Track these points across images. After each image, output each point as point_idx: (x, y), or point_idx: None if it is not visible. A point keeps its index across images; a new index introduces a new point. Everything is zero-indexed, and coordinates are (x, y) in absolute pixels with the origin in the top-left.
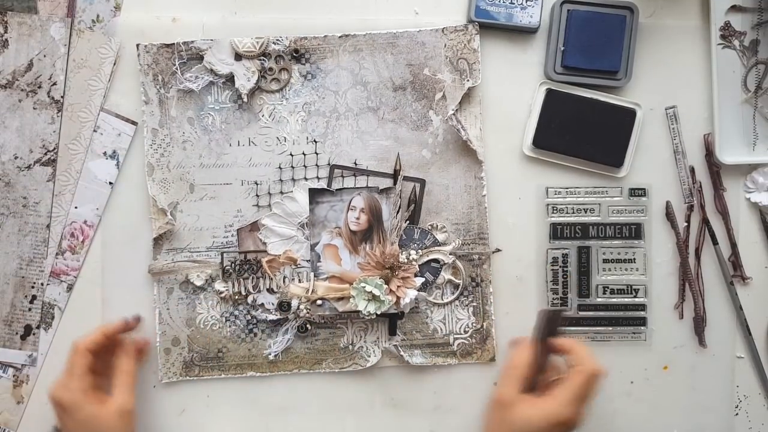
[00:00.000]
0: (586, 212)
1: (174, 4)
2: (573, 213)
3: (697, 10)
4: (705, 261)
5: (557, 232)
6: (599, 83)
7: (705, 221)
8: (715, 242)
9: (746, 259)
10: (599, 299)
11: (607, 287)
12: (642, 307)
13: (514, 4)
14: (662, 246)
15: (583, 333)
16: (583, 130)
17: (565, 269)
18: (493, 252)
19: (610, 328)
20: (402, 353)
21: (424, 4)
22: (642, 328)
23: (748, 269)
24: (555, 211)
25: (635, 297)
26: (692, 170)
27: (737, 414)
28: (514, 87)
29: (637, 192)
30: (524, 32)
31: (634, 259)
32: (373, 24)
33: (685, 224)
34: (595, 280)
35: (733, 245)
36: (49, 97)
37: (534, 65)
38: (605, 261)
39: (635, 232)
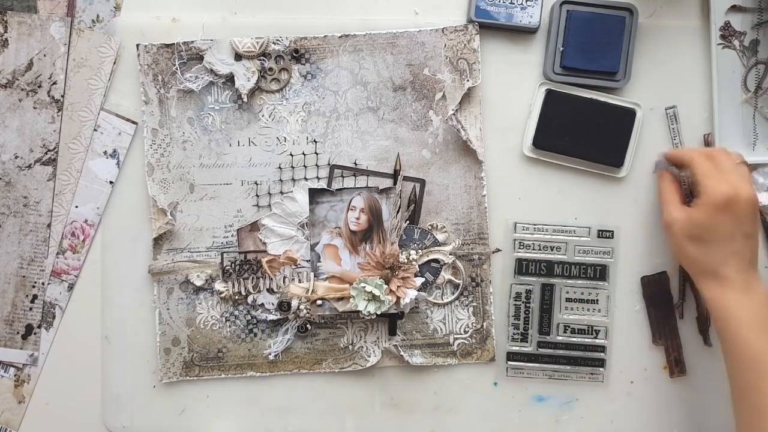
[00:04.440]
0: (552, 250)
1: (174, 4)
2: (539, 250)
3: (697, 10)
4: None
5: (522, 267)
6: (598, 84)
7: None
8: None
9: None
10: (559, 337)
11: (568, 326)
12: (602, 348)
13: (513, 4)
14: (662, 246)
15: (540, 370)
16: (583, 130)
17: (528, 305)
18: (493, 252)
19: (569, 367)
20: (402, 353)
21: (424, 5)
22: (600, 369)
23: None
24: (522, 247)
25: (596, 338)
26: None
27: None
28: (514, 87)
29: (605, 234)
30: (524, 32)
31: (597, 300)
32: (373, 24)
33: None
34: (557, 318)
35: None
36: (49, 96)
37: (534, 65)
38: (568, 300)
39: (600, 273)
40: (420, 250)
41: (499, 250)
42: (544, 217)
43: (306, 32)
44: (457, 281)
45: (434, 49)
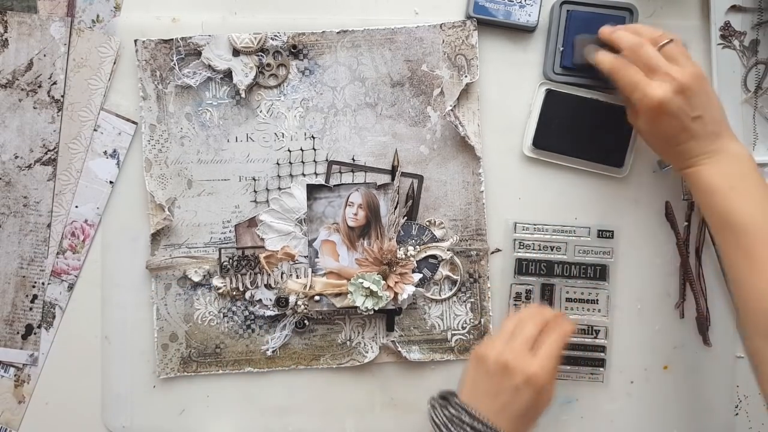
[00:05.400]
0: (552, 250)
1: (174, 5)
2: (539, 250)
3: (697, 10)
4: (705, 261)
5: (522, 267)
6: (598, 84)
7: (705, 221)
8: (715, 242)
9: None
10: None
11: None
12: (602, 348)
13: (512, 1)
14: (662, 246)
15: None
16: (583, 130)
17: (528, 305)
18: (493, 252)
19: (569, 367)
20: (400, 349)
21: (424, 5)
22: (600, 369)
23: None
24: (522, 247)
25: (596, 338)
26: None
27: (737, 414)
28: (514, 87)
29: (605, 234)
30: (522, 31)
31: (597, 300)
32: (373, 24)
33: (686, 224)
34: None
35: None
36: (49, 96)
37: (533, 65)
38: (568, 300)
39: (600, 273)
40: (418, 246)
41: (499, 250)
42: (544, 217)
43: (305, 30)
44: (455, 277)
45: (432, 45)
